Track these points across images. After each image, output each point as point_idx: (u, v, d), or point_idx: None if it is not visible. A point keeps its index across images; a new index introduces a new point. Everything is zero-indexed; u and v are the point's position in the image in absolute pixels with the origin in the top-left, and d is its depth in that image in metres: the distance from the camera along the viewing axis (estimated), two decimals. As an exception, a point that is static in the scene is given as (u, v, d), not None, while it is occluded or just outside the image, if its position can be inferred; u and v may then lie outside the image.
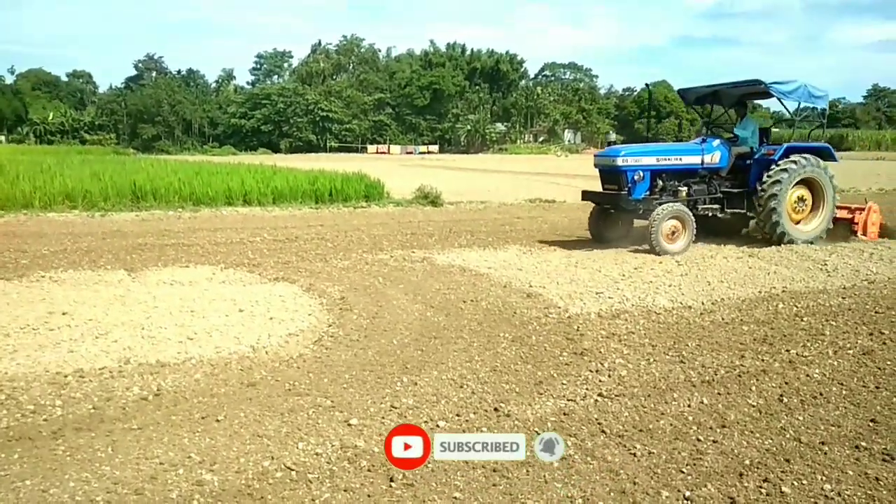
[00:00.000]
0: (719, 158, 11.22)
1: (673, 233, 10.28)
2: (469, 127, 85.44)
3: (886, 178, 27.58)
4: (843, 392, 4.81)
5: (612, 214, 11.44)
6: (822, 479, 3.56)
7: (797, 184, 11.08)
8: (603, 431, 4.13)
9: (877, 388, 4.89)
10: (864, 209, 11.82)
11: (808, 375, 5.12)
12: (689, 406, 4.53)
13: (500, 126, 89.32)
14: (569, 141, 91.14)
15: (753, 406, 4.54)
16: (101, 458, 3.68)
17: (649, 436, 4.08)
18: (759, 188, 10.88)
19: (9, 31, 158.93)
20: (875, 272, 8.89)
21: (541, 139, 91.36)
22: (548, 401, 4.59)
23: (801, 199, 11.21)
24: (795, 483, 3.52)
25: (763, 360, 5.45)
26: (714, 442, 3.98)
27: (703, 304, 7.28)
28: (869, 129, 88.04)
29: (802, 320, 6.67)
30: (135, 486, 3.38)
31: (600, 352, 5.62)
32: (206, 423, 4.14)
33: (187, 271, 8.85)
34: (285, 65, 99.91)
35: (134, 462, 3.64)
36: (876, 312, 6.96)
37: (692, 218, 10.48)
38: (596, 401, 4.61)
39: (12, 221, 14.10)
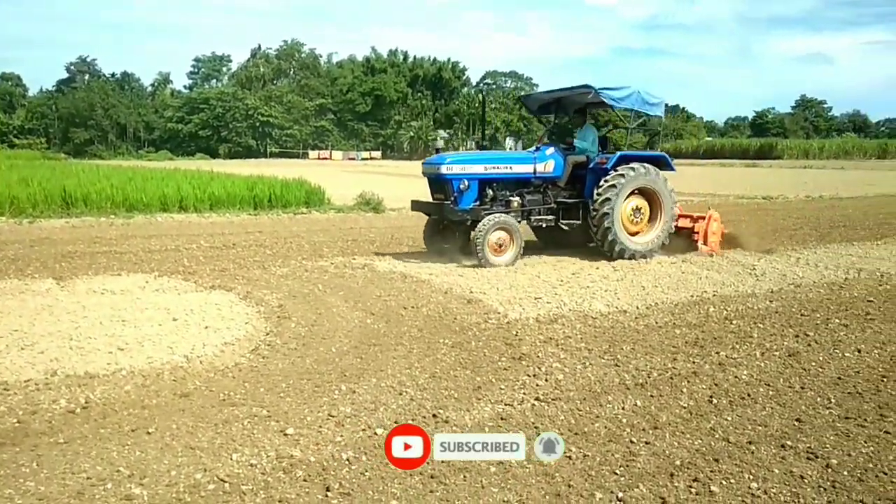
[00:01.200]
0: (553, 167, 10.67)
1: (500, 245, 9.78)
2: (412, 133, 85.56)
3: (813, 185, 28.77)
4: (770, 393, 4.98)
5: (448, 225, 10.76)
6: (749, 477, 3.68)
7: (633, 194, 10.62)
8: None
9: (802, 388, 5.07)
10: (705, 218, 11.31)
11: (736, 377, 5.29)
12: (623, 408, 4.62)
13: (442, 133, 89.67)
14: (510, 148, 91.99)
15: (684, 407, 4.67)
16: (26, 474, 3.54)
17: (584, 438, 4.15)
18: (593, 199, 10.39)
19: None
20: (801, 276, 9.25)
21: (483, 146, 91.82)
22: (486, 406, 4.62)
23: (637, 210, 10.70)
24: (724, 482, 3.62)
25: (694, 363, 5.61)
26: (646, 443, 4.08)
27: (637, 308, 7.45)
28: (797, 138, 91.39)
29: (732, 323, 6.89)
30: (61, 502, 3.26)
31: (538, 356, 5.69)
32: (137, 436, 4.03)
33: (119, 280, 8.60)
34: (224, 69, 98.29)
35: (60, 477, 3.51)
36: (802, 315, 7.23)
37: (519, 229, 10.09)
38: (533, 405, 4.66)
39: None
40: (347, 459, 3.77)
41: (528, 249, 11.38)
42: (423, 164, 11.11)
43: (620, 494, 3.47)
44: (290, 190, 18.76)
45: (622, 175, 10.36)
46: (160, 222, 15.42)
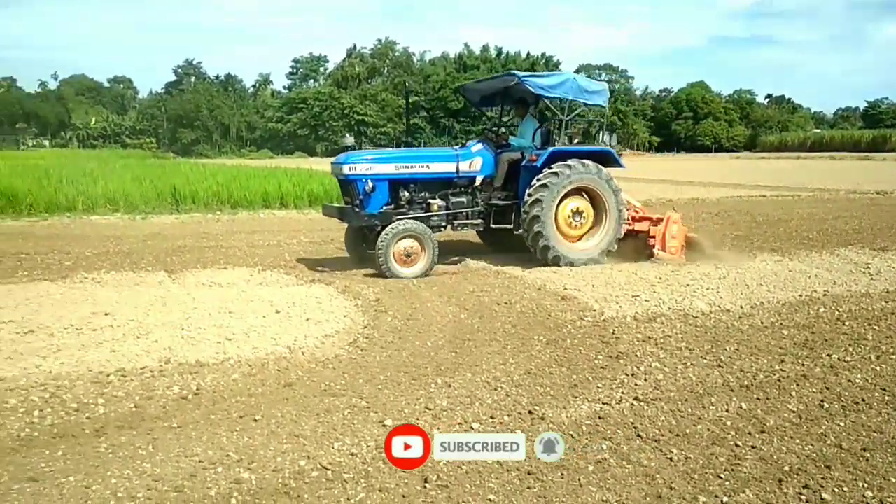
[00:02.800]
0: (480, 165, 9.63)
1: (409, 255, 8.75)
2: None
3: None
4: (886, 398, 4.70)
5: (371, 231, 9.52)
6: (863, 486, 3.49)
7: (573, 194, 9.52)
8: (639, 436, 4.09)
9: (922, 394, 4.76)
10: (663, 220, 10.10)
11: (849, 381, 5.01)
12: (727, 411, 4.47)
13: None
14: (604, 143, 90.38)
15: (793, 412, 4.46)
16: (142, 456, 3.76)
17: (686, 440, 4.04)
18: (524, 200, 9.30)
19: (52, 37, 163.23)
20: (921, 276, 8.66)
21: (575, 141, 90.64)
22: (583, 404, 4.56)
23: (577, 213, 9.54)
24: (836, 490, 3.45)
25: (803, 365, 5.35)
26: (752, 447, 3.92)
27: (741, 307, 7.16)
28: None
29: (844, 324, 6.53)
30: (175, 484, 3.45)
31: (636, 355, 5.57)
32: (244, 423, 4.21)
33: (226, 273, 9.00)
34: (321, 69, 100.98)
35: (174, 460, 3.71)
36: (922, 317, 6.78)
37: (432, 236, 8.94)
38: (632, 405, 4.57)
39: (56, 224, 14.49)
40: (445, 452, 3.81)
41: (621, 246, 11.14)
42: (331, 164, 9.93)
43: (725, 499, 3.36)
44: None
45: (556, 173, 9.23)
46: (262, 218, 16.02)
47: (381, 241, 8.60)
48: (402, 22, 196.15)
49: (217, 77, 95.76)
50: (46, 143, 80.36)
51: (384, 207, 9.24)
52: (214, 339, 5.84)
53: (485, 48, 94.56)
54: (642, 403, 4.59)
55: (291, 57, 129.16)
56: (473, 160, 9.61)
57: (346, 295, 7.69)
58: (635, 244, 9.99)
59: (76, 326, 6.14)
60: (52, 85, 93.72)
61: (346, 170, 9.11)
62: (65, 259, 10.07)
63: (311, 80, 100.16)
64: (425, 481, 3.50)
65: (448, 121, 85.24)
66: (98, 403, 4.49)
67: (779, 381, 5.02)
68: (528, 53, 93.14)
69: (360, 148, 10.74)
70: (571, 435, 4.07)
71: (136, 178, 19.07)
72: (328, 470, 3.61)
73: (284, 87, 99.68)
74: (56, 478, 3.51)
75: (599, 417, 4.34)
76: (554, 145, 9.67)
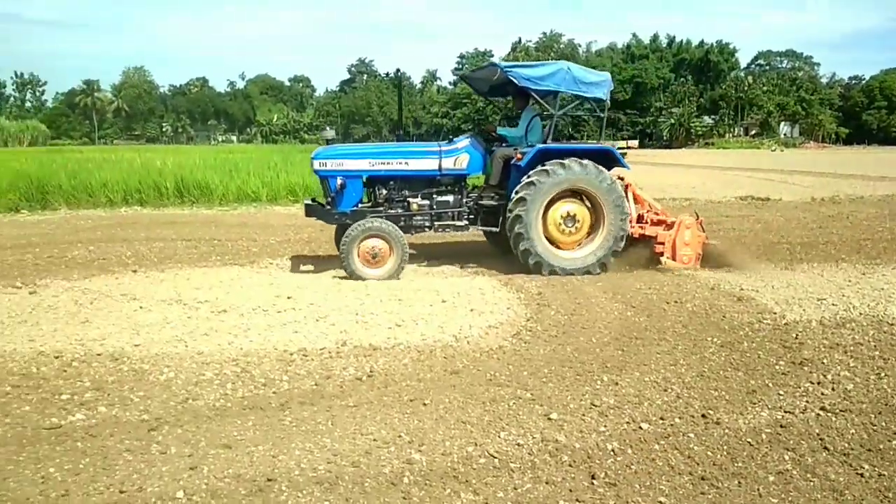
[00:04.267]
0: (467, 163, 8.88)
1: (374, 255, 8.23)
2: (673, 121, 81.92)
3: None
4: None
5: None
6: None
7: (570, 197, 8.64)
8: (825, 448, 3.79)
9: None
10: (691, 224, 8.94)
11: None
12: (930, 429, 4.03)
13: (706, 119, 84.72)
14: (785, 134, 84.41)
15: None
16: (322, 431, 4.01)
17: (879, 456, 3.69)
18: (510, 199, 8.53)
19: (240, 40, 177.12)
20: None
21: (752, 133, 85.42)
22: (762, 411, 4.30)
23: (570, 218, 8.60)
24: None
25: None
26: (962, 471, 3.52)
27: (948, 316, 6.42)
28: None
29: None
30: (352, 459, 3.65)
31: (823, 363, 5.16)
32: (415, 406, 4.37)
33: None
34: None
35: (351, 437, 3.93)
36: None
37: (402, 236, 8.39)
38: (818, 415, 4.24)
39: (244, 213, 15.75)
40: (612, 450, 3.74)
41: (809, 246, 10.36)
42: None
43: (929, 526, 3.04)
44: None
45: (546, 172, 8.38)
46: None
47: (344, 240, 8.23)
48: (568, 12, 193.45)
49: (387, 74, 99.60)
50: (234, 138, 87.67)
51: (358, 206, 8.85)
52: (386, 325, 6.11)
53: (654, 37, 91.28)
54: (829, 414, 4.25)
55: (457, 53, 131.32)
56: (459, 157, 8.88)
57: (508, 287, 7.74)
58: (640, 250, 9.08)
59: (263, 308, 6.65)
60: (240, 84, 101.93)
61: (316, 166, 8.73)
62: (252, 245, 10.92)
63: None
64: (592, 478, 3.46)
65: (614, 113, 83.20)
66: (283, 380, 4.84)
67: None
68: (702, 41, 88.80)
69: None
70: (750, 442, 3.85)
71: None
72: (495, 458, 3.66)
73: (450, 83, 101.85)
74: (247, 446, 3.83)
75: (781, 426, 4.07)
76: (545, 142, 8.88)
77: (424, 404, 4.38)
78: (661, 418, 4.18)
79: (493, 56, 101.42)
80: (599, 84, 8.95)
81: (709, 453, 3.74)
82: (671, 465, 3.59)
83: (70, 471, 3.53)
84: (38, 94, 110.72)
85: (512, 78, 8.49)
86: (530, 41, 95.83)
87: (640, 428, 4.03)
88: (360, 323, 6.17)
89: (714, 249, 9.15)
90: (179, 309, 6.64)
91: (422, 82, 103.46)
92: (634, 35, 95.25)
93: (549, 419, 4.16)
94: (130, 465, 3.58)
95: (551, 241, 8.59)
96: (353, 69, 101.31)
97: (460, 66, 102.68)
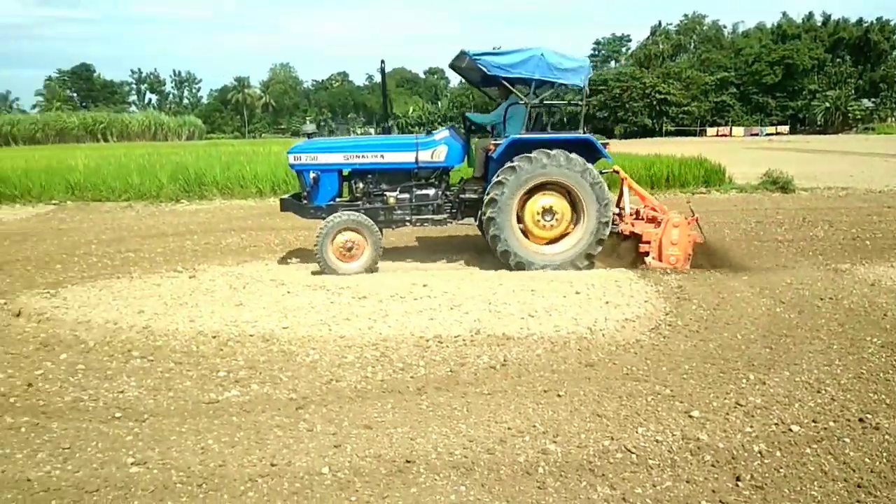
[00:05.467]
0: (445, 155, 8.54)
1: (349, 249, 8.03)
2: (828, 104, 76.14)
3: None
4: None
5: None
6: None
7: (547, 190, 8.17)
8: None
9: None
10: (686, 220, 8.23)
11: None
12: None
13: (866, 103, 78.05)
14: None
15: None
16: (458, 417, 4.09)
17: None
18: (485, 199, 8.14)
19: (378, 35, 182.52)
20: None
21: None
22: (929, 418, 3.95)
23: (549, 212, 8.17)
24: None
25: None
26: None
27: None
28: None
29: None
30: (486, 446, 3.70)
31: None
32: (549, 397, 4.35)
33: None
34: (623, 49, 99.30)
35: (485, 424, 3.98)
36: None
37: (377, 229, 8.15)
38: None
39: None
40: (759, 452, 3.57)
41: None
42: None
43: None
44: (688, 168, 18.16)
45: (513, 168, 8.01)
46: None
47: (318, 236, 8.04)
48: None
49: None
50: (372, 130, 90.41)
51: (334, 200, 8.69)
52: (518, 315, 6.12)
53: (809, 16, 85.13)
54: None
55: (593, 39, 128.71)
56: (436, 149, 8.59)
57: (646, 280, 7.52)
58: (627, 247, 8.65)
59: (400, 295, 6.85)
60: (378, 78, 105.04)
61: (290, 160, 8.66)
62: (388, 234, 11.23)
63: (612, 62, 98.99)
64: (737, 479, 3.32)
65: (762, 97, 78.66)
66: (419, 365, 4.97)
67: None
68: (860, 19, 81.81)
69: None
70: (920, 453, 3.54)
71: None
72: (632, 453, 3.59)
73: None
74: (386, 427, 3.97)
75: (954, 438, 3.72)
76: (520, 133, 8.38)
77: (559, 395, 4.36)
78: (814, 421, 3.93)
79: (630, 40, 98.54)
80: (577, 70, 8.49)
81: (866, 460, 3.49)
82: (824, 470, 3.38)
83: (226, 443, 3.81)
84: (193, 91, 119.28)
85: (481, 66, 8.17)
86: (671, 24, 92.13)
87: (790, 430, 3.81)
88: (493, 312, 6.21)
89: (707, 247, 8.60)
90: (323, 294, 6.97)
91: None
92: (784, 14, 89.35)
93: (690, 417, 4.02)
94: (280, 441, 3.82)
95: (532, 237, 8.32)
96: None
97: (595, 53, 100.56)
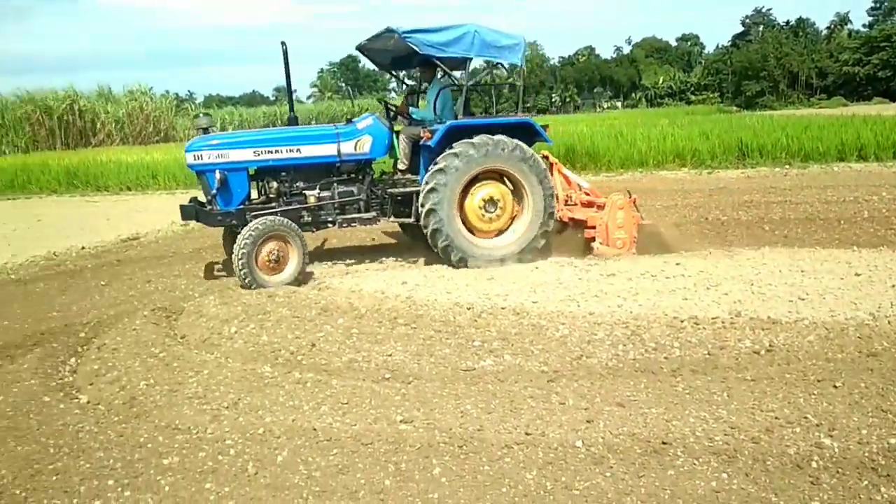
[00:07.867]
0: (370, 146, 7.81)
1: (275, 259, 7.07)
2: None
3: None
4: None
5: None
6: None
7: (488, 179, 7.66)
8: None
9: None
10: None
11: None
12: None
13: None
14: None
15: None
16: (717, 402, 3.90)
17: None
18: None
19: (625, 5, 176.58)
20: None
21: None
22: None
23: (490, 202, 7.63)
24: None
25: None
26: None
27: None
28: None
29: None
30: (751, 435, 3.48)
31: None
32: (822, 387, 3.98)
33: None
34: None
35: (749, 411, 3.74)
36: None
37: (299, 233, 7.25)
38: None
39: (629, 179, 15.83)
40: None
41: None
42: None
43: None
44: None
45: (456, 154, 7.39)
46: (836, 172, 14.63)
47: (241, 248, 6.93)
48: None
49: (787, 22, 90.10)
50: (619, 104, 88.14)
51: (245, 203, 7.68)
52: (786, 298, 5.65)
53: None
54: None
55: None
56: (360, 139, 7.82)
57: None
58: (572, 234, 8.06)
59: (651, 273, 6.67)
60: (626, 49, 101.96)
61: (189, 160, 7.58)
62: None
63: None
64: None
65: None
66: (673, 346, 4.80)
67: None
68: None
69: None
70: None
71: (703, 133, 19.34)
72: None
73: (864, 26, 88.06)
74: (640, 407, 3.91)
75: None
76: (457, 118, 7.81)
77: (835, 386, 3.97)
78: None
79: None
80: (513, 48, 7.83)
81: None
82: None
83: (483, 409, 4.01)
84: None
85: (412, 45, 7.40)
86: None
87: None
88: (756, 294, 5.80)
89: (650, 230, 8.12)
90: (571, 270, 7.01)
91: (828, 27, 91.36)
92: None
93: None
94: (533, 411, 3.93)
95: (474, 230, 7.70)
96: (747, 21, 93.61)
97: (878, 5, 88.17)
